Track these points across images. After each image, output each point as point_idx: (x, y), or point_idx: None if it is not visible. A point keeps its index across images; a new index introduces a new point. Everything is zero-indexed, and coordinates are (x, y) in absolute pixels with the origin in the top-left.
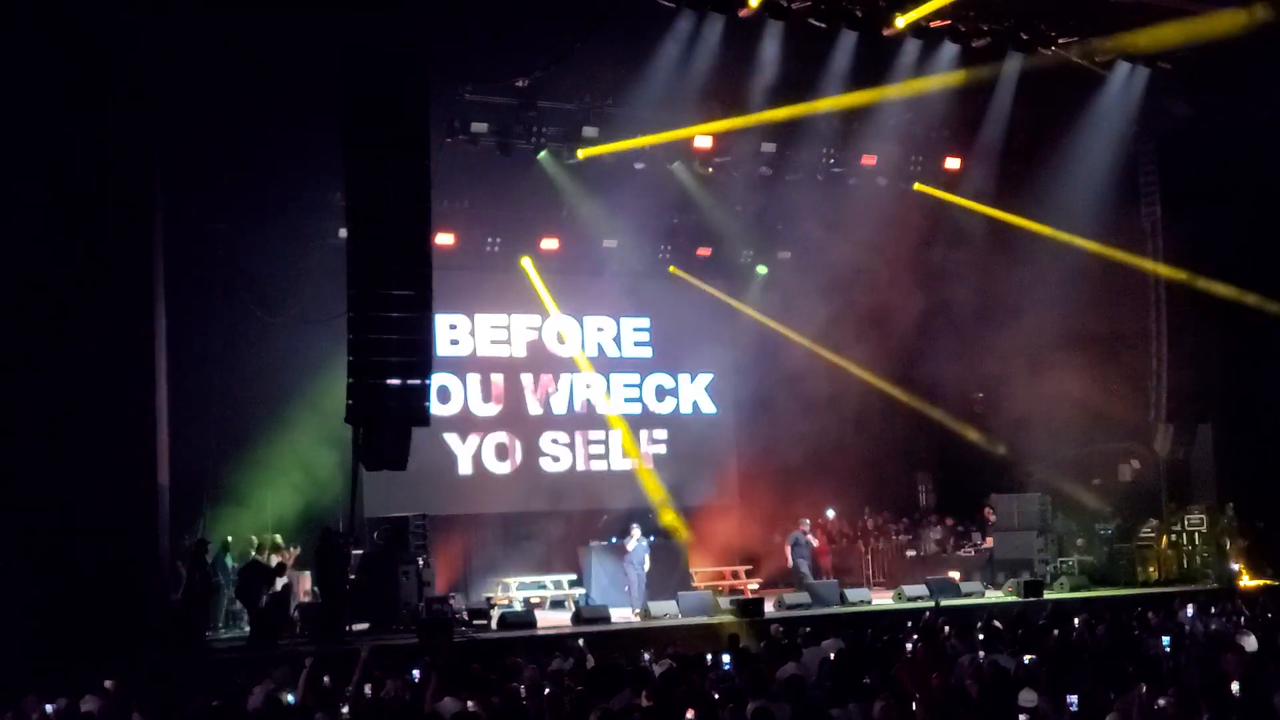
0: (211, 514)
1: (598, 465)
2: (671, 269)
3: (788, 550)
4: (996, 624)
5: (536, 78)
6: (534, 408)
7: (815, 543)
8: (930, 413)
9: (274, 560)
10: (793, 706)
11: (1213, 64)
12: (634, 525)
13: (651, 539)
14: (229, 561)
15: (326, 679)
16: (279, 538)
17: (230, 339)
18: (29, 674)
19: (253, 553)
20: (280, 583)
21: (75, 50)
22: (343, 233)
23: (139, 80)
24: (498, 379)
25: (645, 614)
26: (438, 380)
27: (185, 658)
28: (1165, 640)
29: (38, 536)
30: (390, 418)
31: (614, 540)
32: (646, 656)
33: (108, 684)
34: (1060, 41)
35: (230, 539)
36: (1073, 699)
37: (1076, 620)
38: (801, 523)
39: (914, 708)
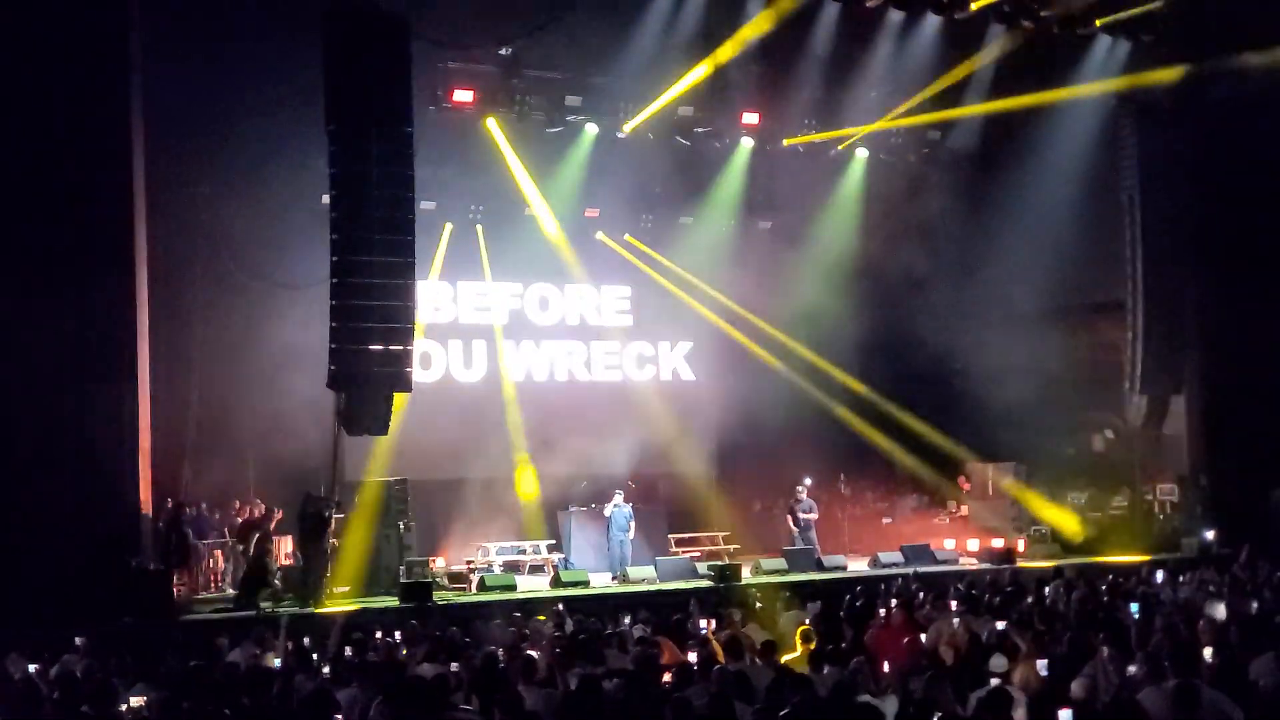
0: (193, 478)
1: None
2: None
3: (793, 518)
4: (971, 590)
5: (519, 46)
6: (515, 374)
7: (809, 512)
8: (908, 382)
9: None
10: (773, 672)
11: (1193, 36)
12: (616, 491)
13: (631, 505)
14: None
15: (306, 641)
16: (259, 501)
17: (211, 303)
18: (9, 637)
19: (234, 516)
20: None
21: (55, 11)
22: (325, 198)
23: (120, 43)
24: (480, 346)
25: (624, 578)
26: (420, 346)
27: (164, 619)
28: (1134, 607)
29: (16, 500)
30: (372, 383)
31: (593, 505)
32: (626, 620)
33: (79, 641)
34: (1042, 14)
35: (204, 504)
36: (1042, 664)
37: (1049, 587)
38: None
39: (888, 671)
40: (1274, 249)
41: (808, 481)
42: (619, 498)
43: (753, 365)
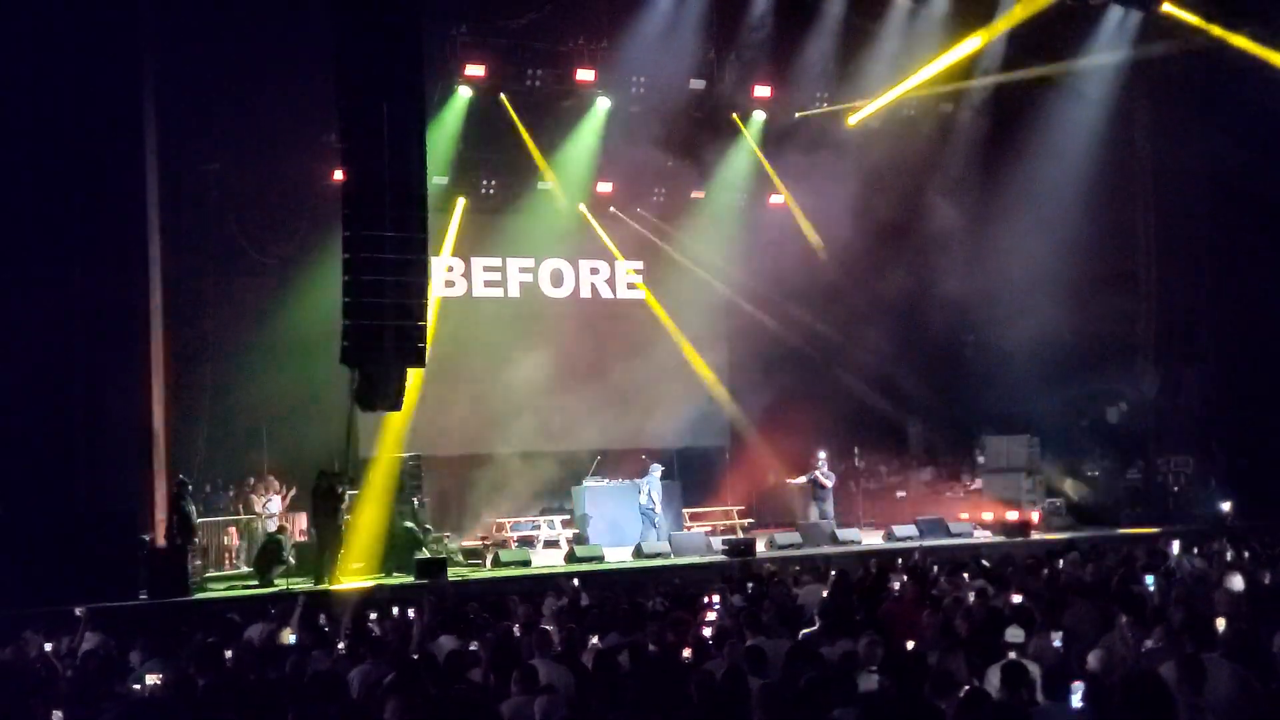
0: (207, 455)
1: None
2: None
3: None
4: (985, 563)
5: (531, 19)
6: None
7: (826, 483)
8: (921, 354)
9: (272, 500)
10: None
11: (1205, 2)
12: (654, 465)
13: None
14: (216, 501)
15: (321, 618)
16: (274, 478)
17: (224, 280)
18: (24, 615)
19: (247, 492)
20: (274, 523)
21: None
22: (338, 174)
23: (131, 21)
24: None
25: (639, 553)
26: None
27: (177, 597)
28: (1150, 579)
29: (33, 478)
30: (386, 359)
31: (607, 481)
32: (640, 595)
33: (79, 611)
34: None
35: (219, 480)
36: (1056, 636)
37: (1063, 560)
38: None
39: (903, 645)
40: None
41: (823, 454)
42: (657, 472)
43: (765, 339)
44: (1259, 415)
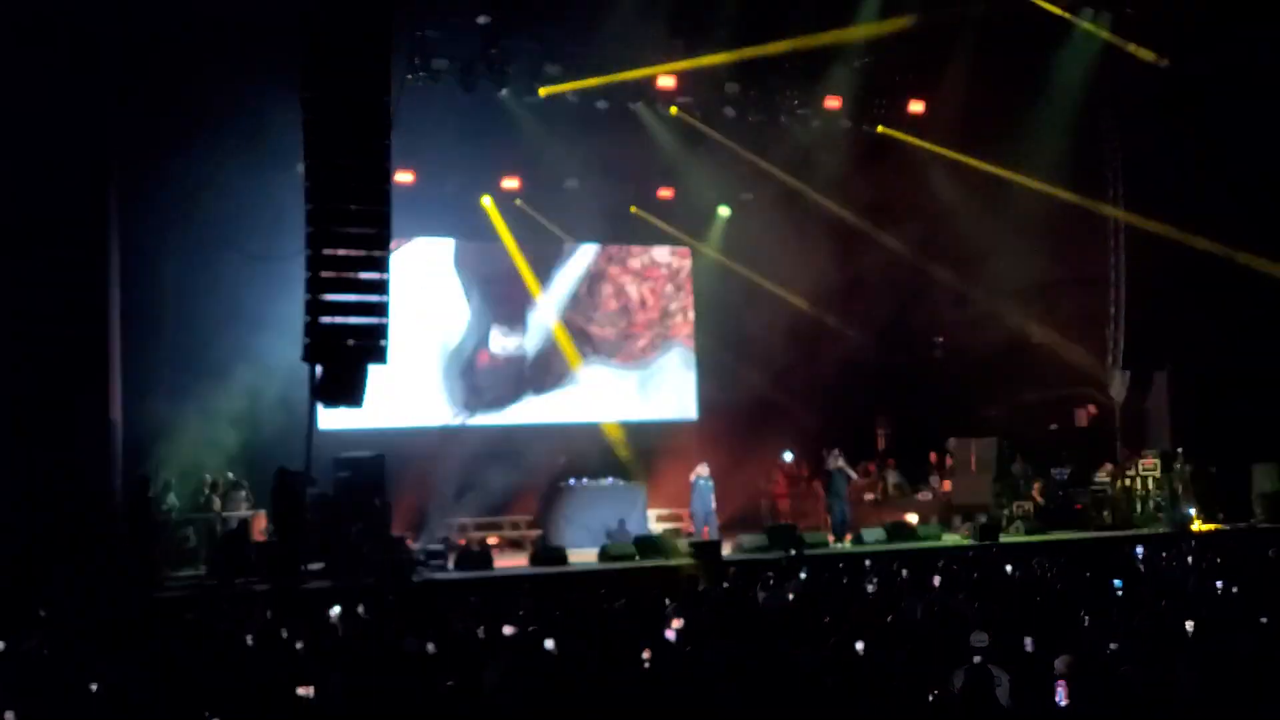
0: (166, 452)
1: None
2: (633, 209)
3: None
4: (953, 567)
5: (498, 14)
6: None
7: (854, 476)
8: (890, 356)
9: (232, 498)
10: (756, 648)
11: (1176, 9)
12: (701, 463)
13: (610, 480)
14: (173, 500)
15: (282, 617)
16: (232, 475)
17: (185, 274)
18: None
19: (206, 491)
20: (234, 521)
21: None
22: (300, 167)
23: (95, 11)
24: None
25: (604, 555)
26: None
27: (133, 597)
28: (1117, 583)
29: None
30: (347, 356)
31: (572, 481)
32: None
33: (42, 613)
34: None
35: (172, 479)
36: (1026, 641)
37: (1030, 563)
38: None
39: (869, 649)
40: (1254, 224)
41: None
42: (704, 468)
43: (735, 339)
44: (1226, 420)
